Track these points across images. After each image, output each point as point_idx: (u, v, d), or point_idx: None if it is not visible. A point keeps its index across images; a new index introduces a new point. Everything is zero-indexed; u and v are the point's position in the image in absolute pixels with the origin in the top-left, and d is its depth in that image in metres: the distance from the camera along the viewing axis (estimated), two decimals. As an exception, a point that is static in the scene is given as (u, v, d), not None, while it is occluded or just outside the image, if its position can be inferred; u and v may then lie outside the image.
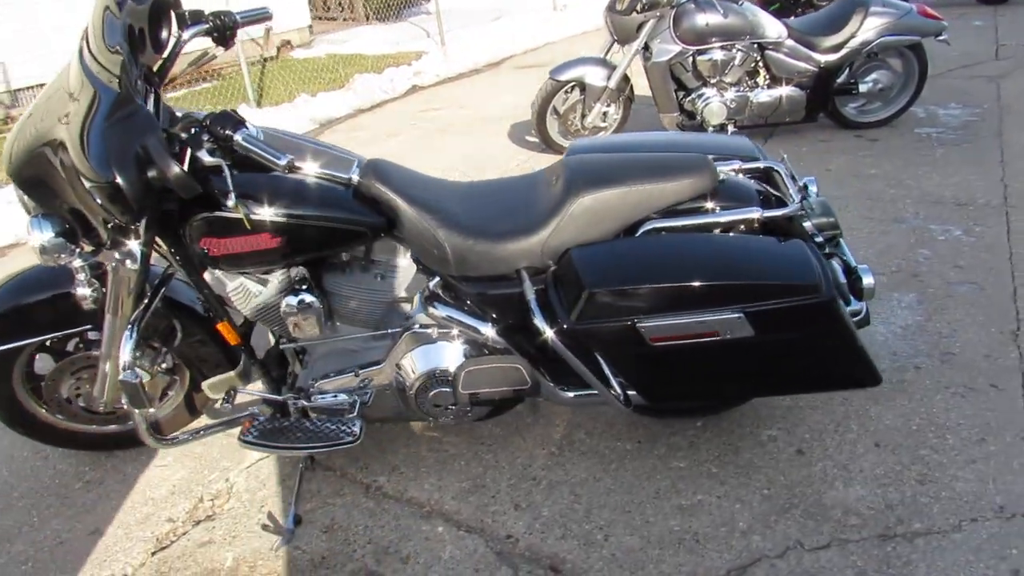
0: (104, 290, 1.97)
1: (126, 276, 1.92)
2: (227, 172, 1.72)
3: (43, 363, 2.26)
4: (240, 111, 6.57)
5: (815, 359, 1.88)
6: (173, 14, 1.99)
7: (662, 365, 1.88)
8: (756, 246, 1.85)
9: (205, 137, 1.73)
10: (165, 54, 2.00)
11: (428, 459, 2.29)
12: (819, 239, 2.03)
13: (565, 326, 1.84)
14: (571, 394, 2.06)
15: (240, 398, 2.22)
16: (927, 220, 3.59)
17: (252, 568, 1.96)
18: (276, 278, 2.04)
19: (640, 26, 4.61)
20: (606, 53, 4.89)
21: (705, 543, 1.91)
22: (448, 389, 2.07)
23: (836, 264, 2.05)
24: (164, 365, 2.30)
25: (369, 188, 1.96)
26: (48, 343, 2.22)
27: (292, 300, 2.01)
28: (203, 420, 2.46)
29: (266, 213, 1.86)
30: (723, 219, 1.93)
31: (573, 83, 4.77)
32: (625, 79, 4.78)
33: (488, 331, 2.00)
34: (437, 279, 2.05)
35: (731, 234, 1.93)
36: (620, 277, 1.80)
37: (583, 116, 4.85)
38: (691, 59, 4.58)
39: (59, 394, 2.27)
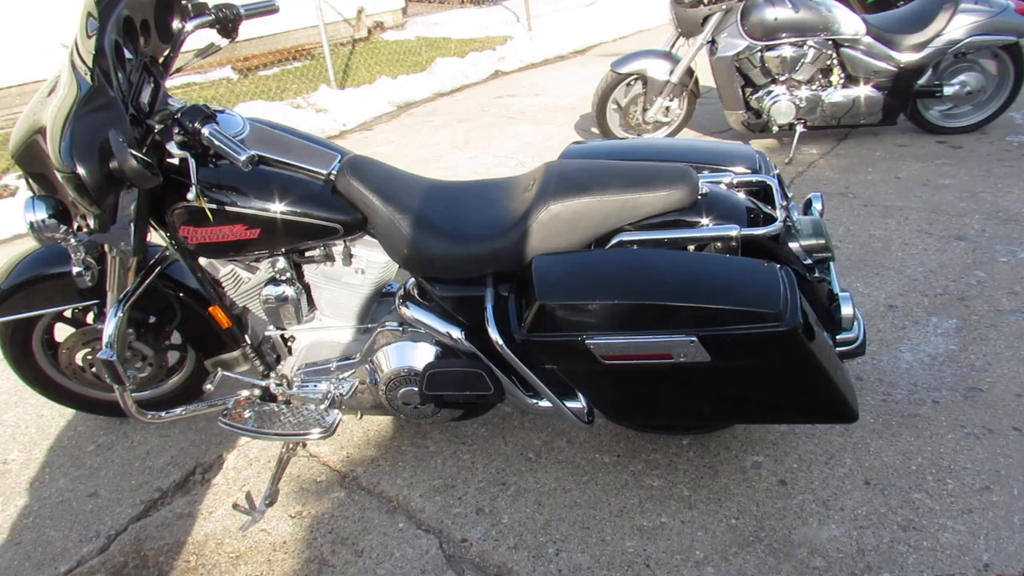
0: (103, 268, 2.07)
1: (119, 257, 2.01)
2: (191, 164, 1.78)
3: (62, 331, 2.41)
4: (321, 91, 6.78)
5: (780, 390, 1.78)
6: (178, 5, 2.06)
7: (617, 384, 1.83)
8: (722, 267, 1.76)
9: (176, 130, 1.79)
10: (171, 45, 2.08)
11: (407, 454, 2.32)
12: (808, 261, 1.92)
13: (516, 337, 1.80)
14: (537, 403, 2.02)
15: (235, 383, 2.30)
16: (992, 239, 3.32)
17: (219, 544, 2.04)
18: (264, 266, 2.09)
19: (706, 19, 4.44)
20: (671, 46, 4.74)
21: (655, 569, 1.85)
22: (415, 388, 2.08)
23: (826, 288, 1.94)
24: (170, 342, 2.42)
25: (345, 184, 1.98)
26: (66, 314, 2.36)
27: (272, 289, 2.07)
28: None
29: (238, 205, 1.91)
30: (697, 235, 1.85)
31: (635, 76, 4.65)
32: (689, 73, 4.63)
33: (455, 334, 2.00)
34: (413, 279, 2.07)
35: (704, 252, 1.85)
36: (573, 290, 1.75)
37: (644, 110, 4.73)
38: (759, 54, 4.38)
39: (74, 362, 2.42)
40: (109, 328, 1.95)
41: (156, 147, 1.88)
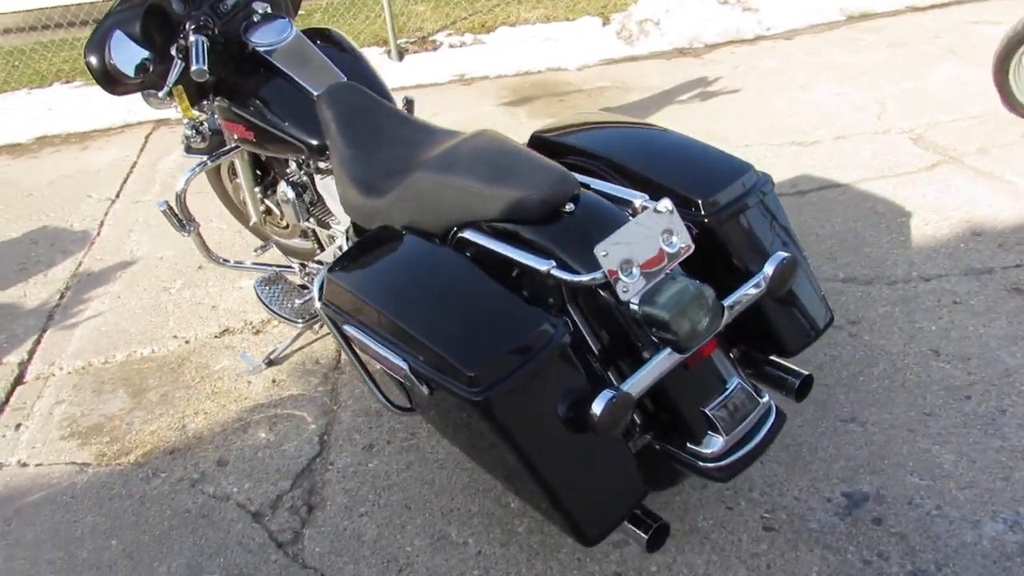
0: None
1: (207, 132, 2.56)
2: (176, 64, 2.16)
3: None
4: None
5: (497, 466, 1.50)
6: None
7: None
8: (478, 296, 1.52)
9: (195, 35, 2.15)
10: None
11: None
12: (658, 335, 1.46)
13: (318, 301, 1.81)
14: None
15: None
16: None
17: (218, 381, 2.63)
18: (292, 167, 2.42)
19: None
20: None
21: None
22: None
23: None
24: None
25: (320, 109, 2.14)
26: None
27: (282, 188, 2.41)
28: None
29: (236, 107, 2.26)
30: (510, 256, 1.59)
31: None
32: None
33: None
34: None
35: (483, 275, 1.56)
36: (350, 270, 1.70)
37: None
38: None
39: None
40: (180, 183, 2.52)
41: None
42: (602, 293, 1.57)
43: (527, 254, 1.57)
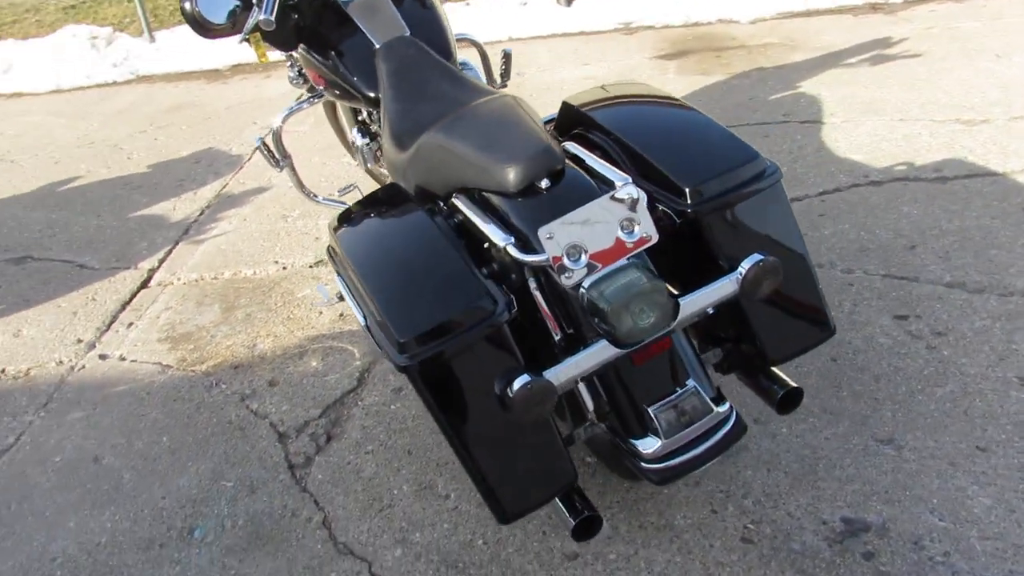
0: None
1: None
2: (253, 11, 2.25)
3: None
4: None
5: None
6: None
7: None
8: (429, 264, 1.52)
9: None
10: None
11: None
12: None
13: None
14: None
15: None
16: None
17: (295, 308, 2.85)
18: (364, 112, 2.54)
19: None
20: None
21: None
22: None
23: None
24: None
25: (377, 62, 2.21)
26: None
27: (353, 133, 2.54)
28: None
29: (309, 53, 2.38)
30: (482, 229, 1.56)
31: None
32: None
33: None
34: None
35: (449, 248, 1.56)
36: (343, 223, 1.76)
37: None
38: None
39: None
40: (276, 120, 2.72)
41: None
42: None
43: (494, 227, 1.55)
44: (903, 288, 2.46)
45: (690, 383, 1.52)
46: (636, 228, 1.41)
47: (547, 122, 2.00)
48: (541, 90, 4.53)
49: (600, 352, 1.43)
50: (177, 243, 3.41)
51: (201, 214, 3.63)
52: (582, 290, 1.41)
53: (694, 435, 1.50)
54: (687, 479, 1.92)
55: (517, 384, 1.37)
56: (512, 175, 1.56)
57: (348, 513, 1.98)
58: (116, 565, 1.93)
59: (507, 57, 2.75)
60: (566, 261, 1.39)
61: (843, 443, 1.97)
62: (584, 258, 1.39)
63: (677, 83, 4.39)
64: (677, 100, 1.83)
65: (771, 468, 1.93)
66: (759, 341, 1.59)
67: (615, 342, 1.41)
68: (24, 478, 2.23)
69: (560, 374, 1.42)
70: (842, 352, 2.25)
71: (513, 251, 1.48)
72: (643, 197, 1.41)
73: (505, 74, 2.82)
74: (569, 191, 1.57)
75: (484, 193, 1.65)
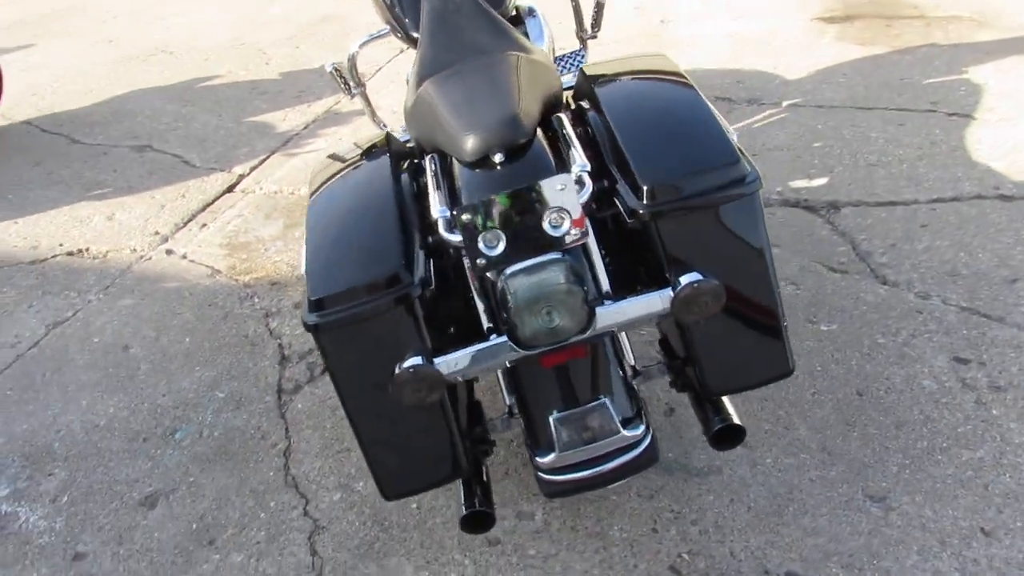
0: None
1: None
2: None
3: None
4: None
5: None
6: None
7: None
8: (363, 225, 1.48)
9: None
10: None
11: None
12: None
13: None
14: None
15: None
16: None
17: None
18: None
19: None
20: None
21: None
22: None
23: None
24: None
25: (422, 4, 2.14)
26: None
27: (409, 73, 2.50)
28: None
29: None
30: (430, 196, 1.48)
31: None
32: None
33: None
34: None
35: (390, 211, 1.49)
36: (321, 170, 1.74)
37: None
38: None
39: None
40: (353, 46, 2.71)
41: None
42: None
43: (439, 196, 1.47)
44: (979, 327, 2.11)
45: (601, 398, 1.38)
46: (565, 223, 1.29)
47: (568, 88, 1.88)
48: (680, 44, 4.22)
49: (497, 348, 1.33)
50: (273, 152, 3.55)
51: (305, 128, 3.75)
52: (501, 278, 1.31)
53: (594, 454, 1.38)
54: (644, 489, 1.80)
55: (405, 364, 1.31)
56: (468, 144, 1.46)
57: (309, 447, 2.02)
58: (102, 449, 2.11)
59: (599, 6, 2.57)
60: (482, 245, 1.29)
61: (827, 489, 1.75)
62: (501, 245, 1.29)
63: (828, 51, 3.93)
64: (686, 83, 1.62)
65: (736, 499, 1.75)
66: (699, 367, 1.42)
67: (515, 341, 1.31)
68: (65, 351, 2.47)
69: (450, 363, 1.34)
70: (873, 387, 1.98)
71: (441, 225, 1.40)
72: (584, 189, 1.29)
73: (595, 24, 2.64)
74: (524, 170, 1.45)
75: (454, 159, 1.57)
